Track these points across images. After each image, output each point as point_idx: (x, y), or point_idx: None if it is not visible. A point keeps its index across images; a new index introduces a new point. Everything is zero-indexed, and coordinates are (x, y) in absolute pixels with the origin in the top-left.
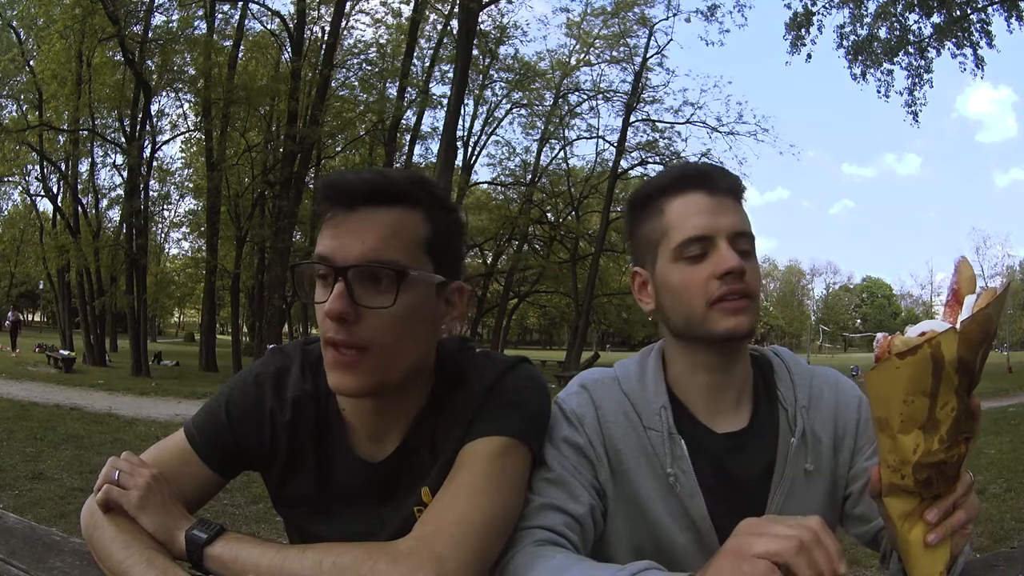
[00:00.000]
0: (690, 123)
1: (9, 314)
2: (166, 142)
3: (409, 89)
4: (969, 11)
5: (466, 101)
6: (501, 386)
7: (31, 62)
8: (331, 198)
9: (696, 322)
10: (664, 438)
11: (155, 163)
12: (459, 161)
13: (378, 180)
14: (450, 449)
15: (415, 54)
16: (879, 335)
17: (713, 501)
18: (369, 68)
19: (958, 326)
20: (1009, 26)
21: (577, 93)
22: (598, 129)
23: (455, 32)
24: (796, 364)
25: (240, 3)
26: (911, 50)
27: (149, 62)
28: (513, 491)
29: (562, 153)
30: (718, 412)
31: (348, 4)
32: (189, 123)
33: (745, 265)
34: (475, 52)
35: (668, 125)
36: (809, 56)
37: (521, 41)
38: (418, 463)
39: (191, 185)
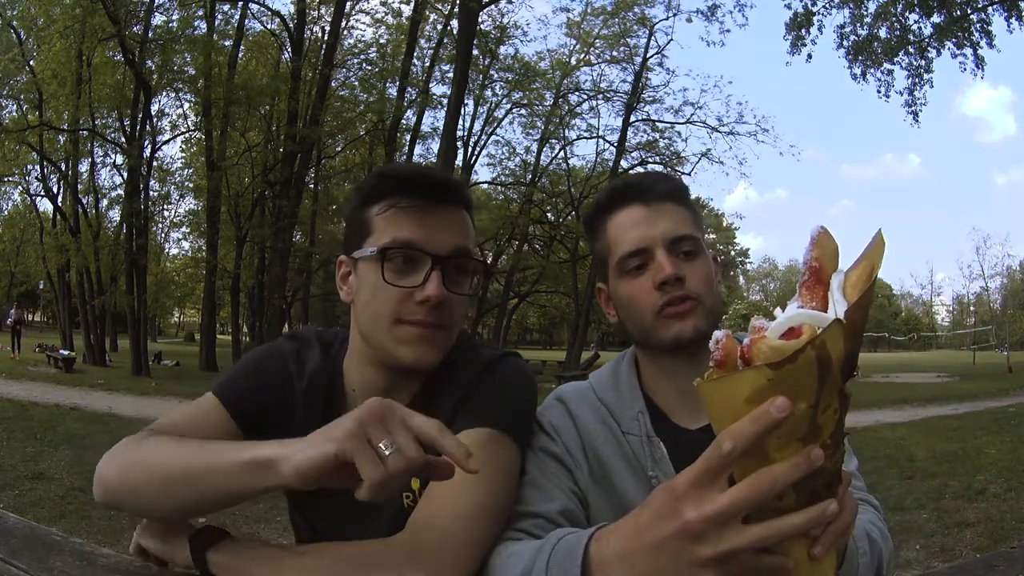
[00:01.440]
0: (690, 123)
1: (11, 312)
2: (166, 142)
3: (409, 89)
4: (969, 11)
5: (466, 101)
6: (487, 378)
7: (31, 62)
8: (413, 190)
9: (647, 333)
10: (643, 442)
11: (155, 163)
12: (459, 161)
13: (454, 181)
14: None
15: (415, 54)
16: (718, 333)
17: None
18: (369, 68)
19: (842, 317)
20: (1009, 26)
21: (577, 93)
22: (598, 129)
23: (455, 32)
24: None
25: (240, 3)
26: (911, 50)
27: (149, 62)
28: (502, 480)
29: (562, 153)
30: (694, 409)
31: (348, 4)
32: (189, 123)
33: (685, 269)
34: (475, 52)
35: (668, 125)
36: (809, 56)
37: (521, 41)
38: None
39: (191, 185)
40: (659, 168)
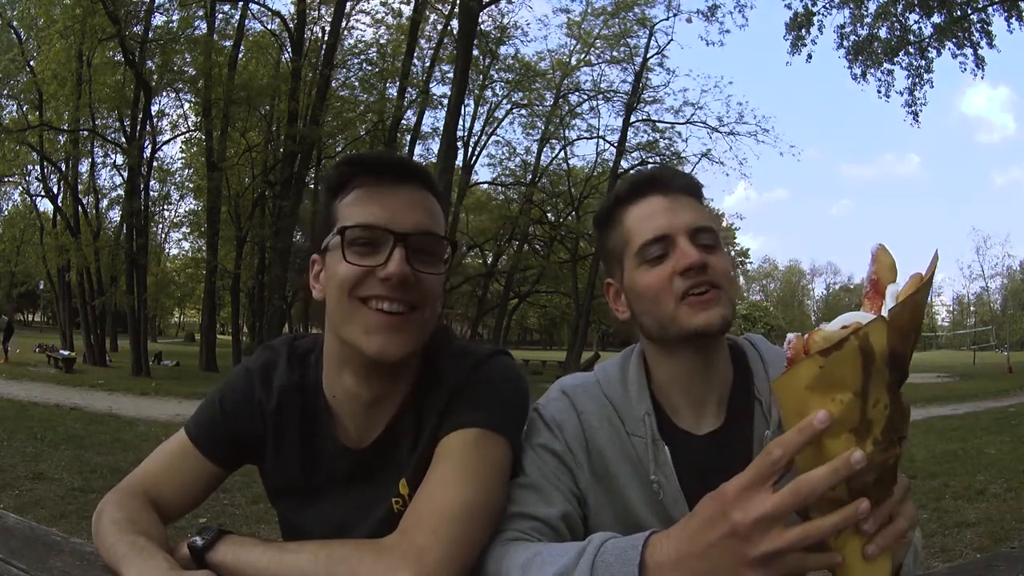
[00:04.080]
0: (690, 123)
1: (2, 314)
2: (166, 142)
3: (409, 89)
4: (969, 11)
5: (466, 101)
6: (475, 378)
7: (31, 62)
8: (375, 171)
9: (667, 322)
10: (648, 444)
11: (155, 163)
12: (459, 161)
13: (416, 163)
14: (426, 441)
15: (415, 54)
16: (790, 335)
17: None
18: (369, 68)
19: (886, 315)
20: (1009, 26)
21: (577, 93)
22: (598, 129)
23: (455, 32)
24: (769, 352)
25: (240, 3)
26: (911, 50)
27: (149, 62)
28: (492, 480)
29: (562, 153)
30: (700, 414)
31: (348, 4)
32: (189, 123)
33: (708, 258)
34: (475, 52)
35: (668, 125)
36: (809, 56)
37: (521, 41)
38: (398, 452)
39: (191, 185)
40: None
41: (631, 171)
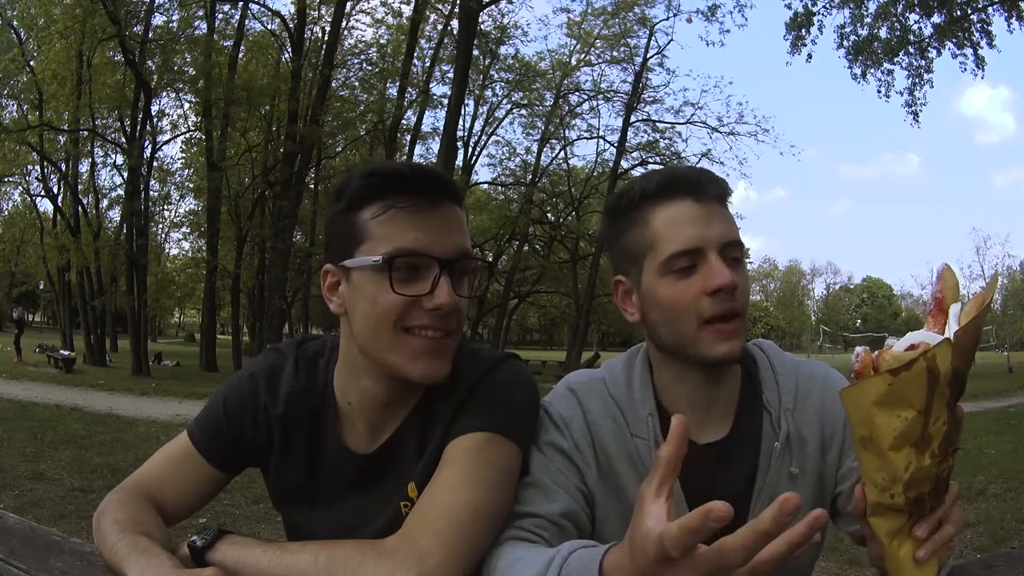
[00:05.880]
0: (691, 123)
1: (14, 312)
2: (166, 142)
3: (409, 89)
4: (969, 11)
5: (466, 101)
6: (486, 382)
7: (31, 62)
8: (409, 189)
9: (686, 342)
10: (651, 447)
11: (155, 163)
12: (459, 161)
13: (447, 179)
14: (435, 445)
15: (415, 54)
16: (858, 349)
17: None
18: (369, 68)
19: (951, 337)
20: (1009, 26)
21: (577, 93)
22: (598, 129)
23: (455, 32)
24: (780, 362)
25: (240, 3)
26: (911, 50)
27: (149, 62)
28: (499, 484)
29: (562, 153)
30: (704, 422)
31: (348, 4)
32: (189, 123)
33: (737, 279)
34: (475, 52)
35: (668, 125)
36: (809, 56)
37: (521, 41)
38: (405, 456)
39: (191, 185)
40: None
41: (631, 171)
